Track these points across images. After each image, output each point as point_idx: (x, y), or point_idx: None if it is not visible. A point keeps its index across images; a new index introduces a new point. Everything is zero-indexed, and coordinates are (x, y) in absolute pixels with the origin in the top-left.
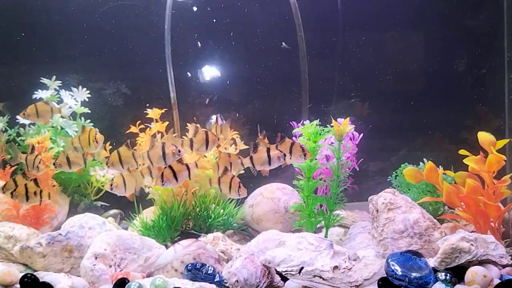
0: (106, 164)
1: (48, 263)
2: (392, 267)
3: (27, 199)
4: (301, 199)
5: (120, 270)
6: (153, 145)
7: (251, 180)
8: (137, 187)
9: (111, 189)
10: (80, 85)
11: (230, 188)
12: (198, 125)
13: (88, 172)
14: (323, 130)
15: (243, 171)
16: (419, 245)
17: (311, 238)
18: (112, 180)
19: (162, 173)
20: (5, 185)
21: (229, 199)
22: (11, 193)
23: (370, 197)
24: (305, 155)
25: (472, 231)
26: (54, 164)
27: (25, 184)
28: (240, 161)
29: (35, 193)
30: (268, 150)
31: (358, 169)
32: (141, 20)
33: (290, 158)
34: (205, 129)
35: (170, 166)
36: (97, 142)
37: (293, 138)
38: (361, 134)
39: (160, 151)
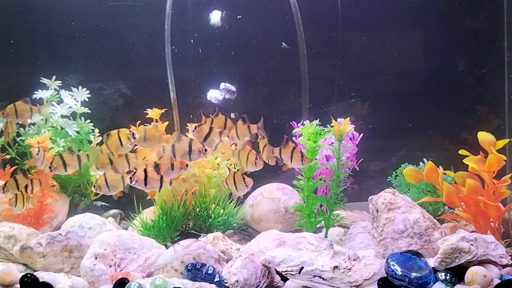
0: (96, 166)
1: (48, 263)
2: (392, 267)
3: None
4: (301, 199)
5: (120, 270)
6: (180, 139)
7: None
8: (126, 186)
9: (96, 190)
10: (80, 85)
11: (235, 185)
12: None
13: (88, 172)
14: (323, 130)
15: None
16: (419, 245)
17: (311, 238)
18: (96, 181)
19: (135, 172)
20: (5, 184)
21: (229, 199)
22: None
23: (370, 197)
24: (302, 161)
25: (472, 231)
26: (49, 167)
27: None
28: (256, 162)
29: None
30: (294, 147)
31: (358, 169)
32: (141, 20)
33: (291, 163)
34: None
35: (145, 170)
36: (134, 137)
37: (293, 138)
38: (361, 134)
39: (187, 147)
